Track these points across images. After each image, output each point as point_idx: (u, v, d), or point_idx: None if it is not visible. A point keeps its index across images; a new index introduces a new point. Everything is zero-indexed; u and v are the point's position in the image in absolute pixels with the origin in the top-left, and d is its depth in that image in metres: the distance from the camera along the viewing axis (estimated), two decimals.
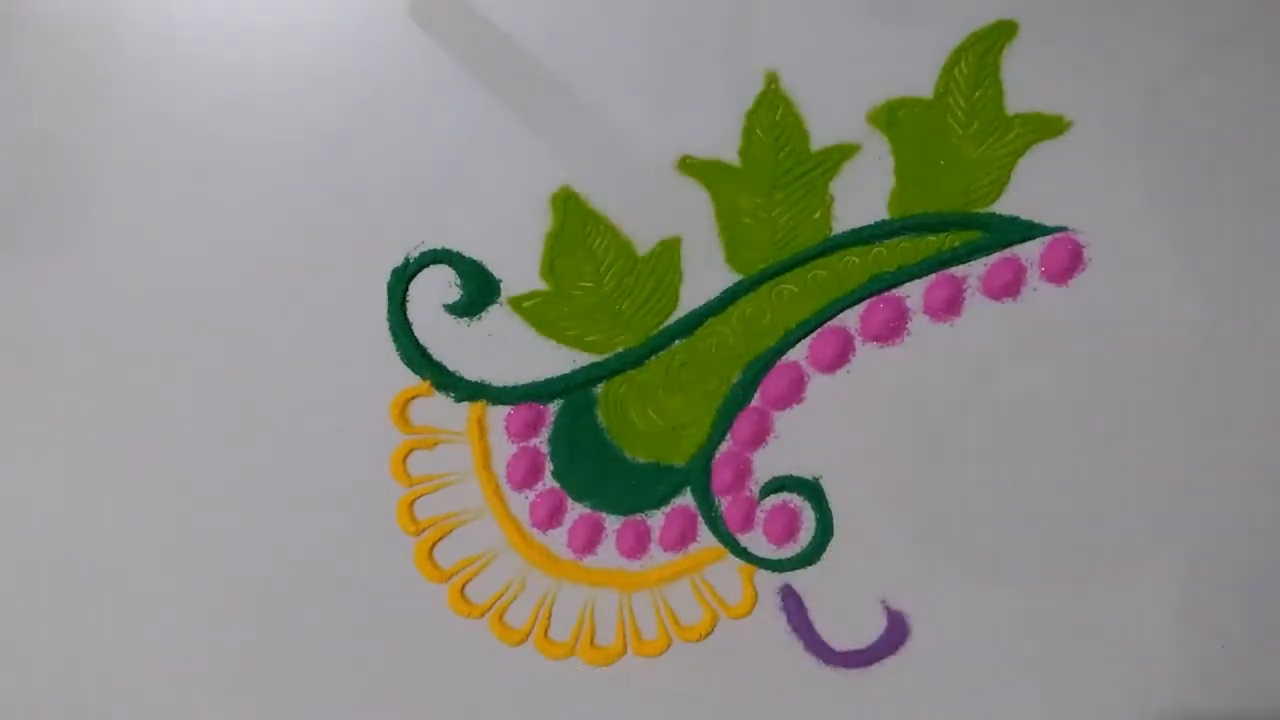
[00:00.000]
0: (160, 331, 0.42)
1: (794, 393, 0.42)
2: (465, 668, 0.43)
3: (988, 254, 0.42)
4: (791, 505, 0.43)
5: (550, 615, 0.43)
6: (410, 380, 0.42)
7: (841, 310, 0.42)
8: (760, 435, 0.43)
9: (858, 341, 0.42)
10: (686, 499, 0.43)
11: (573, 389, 0.42)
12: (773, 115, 0.41)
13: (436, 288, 0.42)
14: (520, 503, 0.43)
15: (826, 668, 0.42)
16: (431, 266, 0.42)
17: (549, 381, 0.42)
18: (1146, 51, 0.41)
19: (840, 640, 0.43)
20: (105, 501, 0.42)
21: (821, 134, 0.41)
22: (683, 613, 0.43)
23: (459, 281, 0.42)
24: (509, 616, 0.43)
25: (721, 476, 0.43)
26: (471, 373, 0.42)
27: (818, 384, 0.42)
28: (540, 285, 0.42)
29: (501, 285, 0.42)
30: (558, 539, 0.43)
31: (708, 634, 0.43)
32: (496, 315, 0.42)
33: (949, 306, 0.42)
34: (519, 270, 0.42)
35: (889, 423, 0.40)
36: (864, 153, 0.41)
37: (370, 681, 0.43)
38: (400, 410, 0.42)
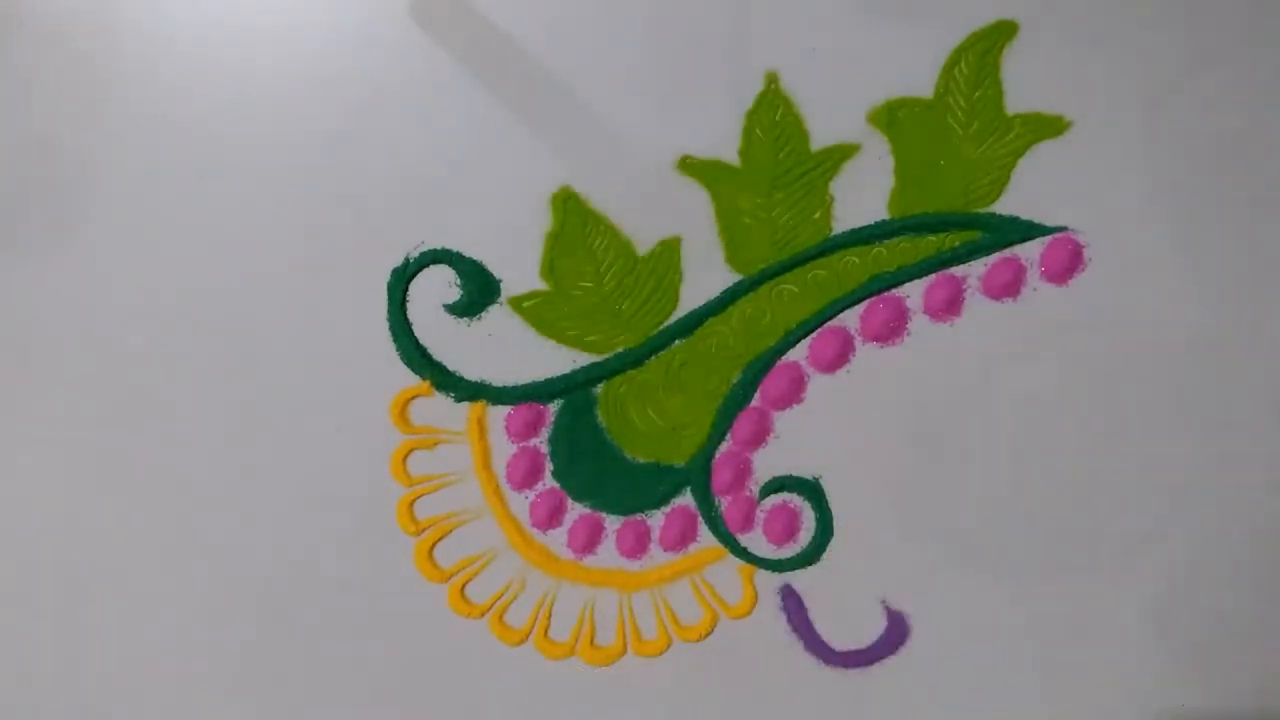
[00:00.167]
0: (160, 331, 0.42)
1: (794, 393, 0.42)
2: (465, 668, 0.43)
3: (988, 254, 0.42)
4: (791, 505, 0.43)
5: (550, 615, 0.43)
6: (410, 380, 0.42)
7: (841, 310, 0.42)
8: (760, 435, 0.43)
9: (858, 341, 0.42)
10: (686, 499, 0.43)
11: (573, 389, 0.42)
12: (773, 115, 0.41)
13: (436, 288, 0.42)
14: (520, 503, 0.43)
15: (826, 668, 0.42)
16: (431, 266, 0.42)
17: (549, 381, 0.42)
18: (1146, 51, 0.41)
19: (840, 640, 0.43)
20: (105, 501, 0.42)
21: (821, 134, 0.41)
22: (683, 613, 0.43)
23: (459, 281, 0.42)
24: (509, 616, 0.43)
25: (721, 476, 0.43)
26: (471, 373, 0.42)
27: (818, 384, 0.42)
28: (540, 285, 0.42)
29: (501, 285, 0.42)
30: (558, 539, 0.43)
31: (708, 634, 0.43)
32: (496, 315, 0.42)
33: (949, 306, 0.42)
34: (519, 270, 0.42)
35: (889, 423, 0.40)
36: (864, 153, 0.41)
37: (370, 681, 0.43)
38: (400, 410, 0.42)
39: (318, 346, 0.42)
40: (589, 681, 0.43)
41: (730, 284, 0.42)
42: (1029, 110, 0.41)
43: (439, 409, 0.42)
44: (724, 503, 0.43)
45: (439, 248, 0.42)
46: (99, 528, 0.42)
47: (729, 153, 0.41)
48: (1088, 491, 0.42)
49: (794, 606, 0.43)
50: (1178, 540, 0.42)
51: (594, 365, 0.42)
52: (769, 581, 0.43)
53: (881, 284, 0.42)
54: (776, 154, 0.41)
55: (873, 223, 0.42)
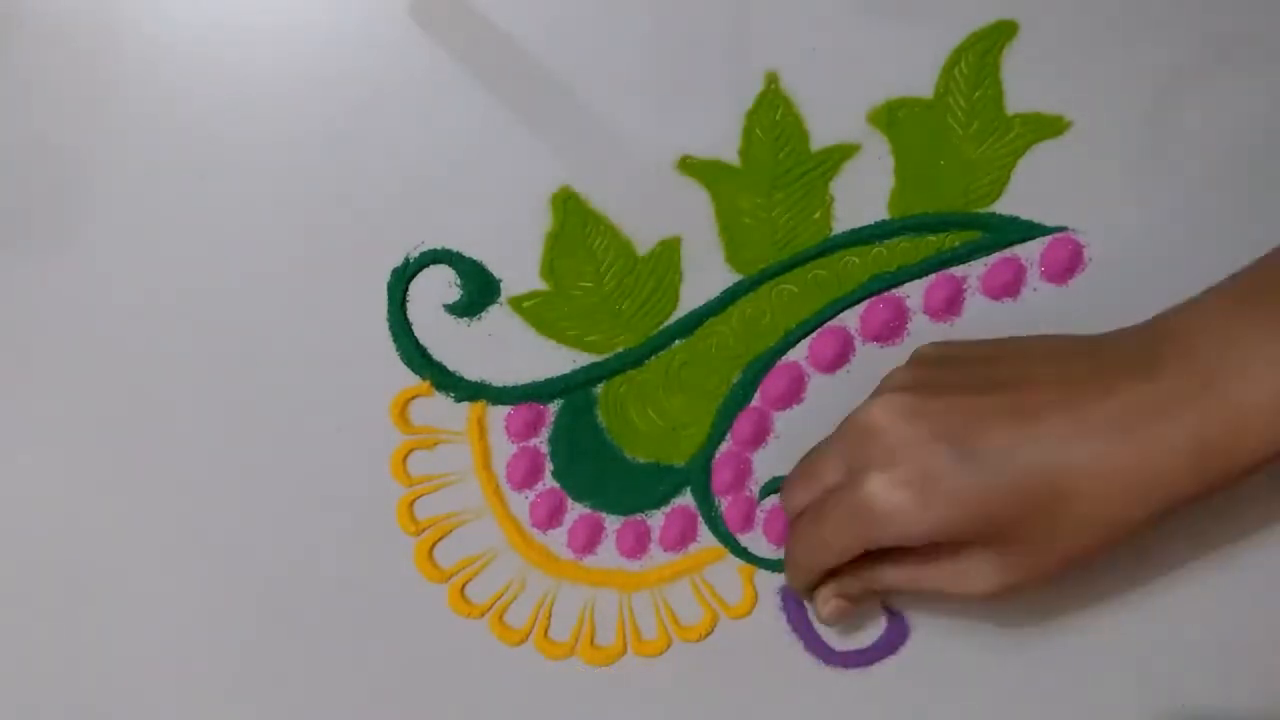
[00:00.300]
0: (160, 331, 0.42)
1: (794, 393, 0.42)
2: (465, 668, 0.43)
3: (988, 254, 0.42)
4: None
5: (550, 615, 0.43)
6: (410, 380, 0.42)
7: (841, 310, 0.42)
8: (760, 435, 0.43)
9: (858, 341, 0.42)
10: (686, 499, 0.43)
11: (573, 389, 0.42)
12: (773, 115, 0.41)
13: (436, 288, 0.42)
14: (520, 503, 0.43)
15: (826, 668, 0.42)
16: (431, 266, 0.42)
17: (549, 381, 0.42)
18: (1146, 51, 0.41)
19: (840, 640, 0.43)
20: (105, 501, 0.42)
21: (821, 134, 0.41)
22: (683, 613, 0.43)
23: (459, 281, 0.42)
24: (509, 616, 0.43)
25: (721, 476, 0.43)
26: (471, 373, 0.42)
27: (818, 384, 0.42)
28: (540, 285, 0.42)
29: (501, 285, 0.42)
30: (558, 539, 0.43)
31: (708, 634, 0.43)
32: (496, 315, 0.42)
33: (949, 306, 0.42)
34: (519, 270, 0.42)
35: None
36: (864, 153, 0.41)
37: (370, 681, 0.43)
38: (400, 410, 0.42)
39: (318, 346, 0.42)
40: (589, 681, 0.43)
41: (730, 284, 0.42)
42: (1029, 110, 0.41)
43: (439, 409, 0.42)
44: (724, 503, 0.43)
45: (439, 248, 0.42)
46: (99, 528, 0.42)
47: (729, 153, 0.41)
48: None
49: (794, 606, 0.43)
50: (1178, 539, 0.42)
51: (594, 365, 0.42)
52: (769, 581, 0.43)
53: (881, 284, 0.42)
54: (776, 154, 0.41)
55: (873, 223, 0.42)
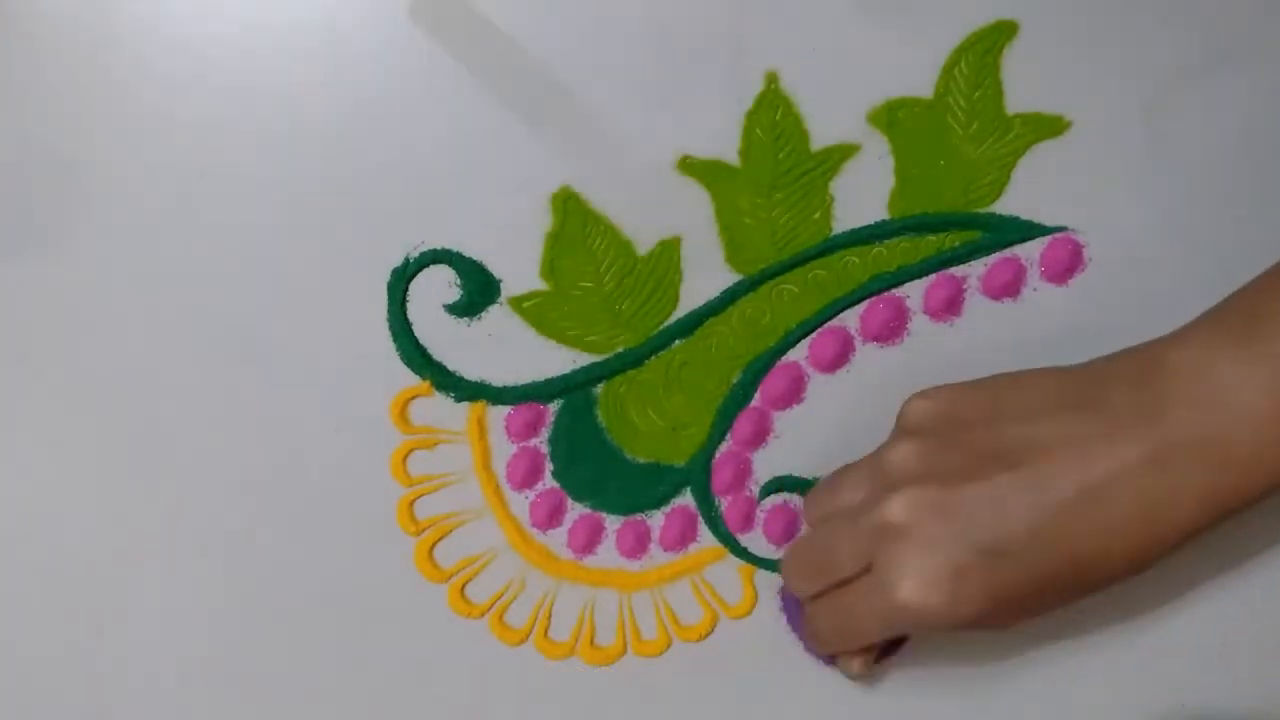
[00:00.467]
0: (160, 332, 0.42)
1: (794, 393, 0.42)
2: (465, 668, 0.43)
3: (988, 254, 0.42)
4: (791, 505, 0.43)
5: (550, 615, 0.43)
6: (410, 380, 0.42)
7: (841, 310, 0.42)
8: (760, 435, 0.43)
9: (858, 341, 0.42)
10: (686, 499, 0.43)
11: (573, 389, 0.42)
12: (773, 115, 0.41)
13: (436, 288, 0.42)
14: (520, 503, 0.43)
15: (826, 668, 0.42)
16: (431, 266, 0.42)
17: (549, 381, 0.42)
18: (1146, 51, 0.41)
19: None
20: (105, 501, 0.42)
21: (821, 134, 0.41)
22: (683, 613, 0.43)
23: (459, 281, 0.42)
24: (509, 617, 0.43)
25: (721, 476, 0.43)
26: (471, 373, 0.42)
27: (818, 384, 0.42)
28: (540, 285, 0.42)
29: (501, 285, 0.42)
30: (558, 539, 0.43)
31: (708, 634, 0.43)
32: (496, 315, 0.42)
33: (949, 306, 0.42)
34: (519, 270, 0.42)
35: (889, 423, 0.40)
36: (864, 153, 0.41)
37: (370, 681, 0.43)
38: (400, 410, 0.42)
39: (318, 346, 0.42)
40: (589, 681, 0.43)
41: (730, 284, 0.42)
42: (1029, 110, 0.41)
43: (439, 409, 0.42)
44: (724, 503, 0.43)
45: (439, 248, 0.42)
46: (98, 528, 0.42)
47: (729, 153, 0.41)
48: None
49: (794, 606, 0.42)
50: None
51: (594, 365, 0.42)
52: (769, 581, 0.43)
53: (881, 284, 0.42)
54: (776, 154, 0.41)
55: (873, 223, 0.42)
